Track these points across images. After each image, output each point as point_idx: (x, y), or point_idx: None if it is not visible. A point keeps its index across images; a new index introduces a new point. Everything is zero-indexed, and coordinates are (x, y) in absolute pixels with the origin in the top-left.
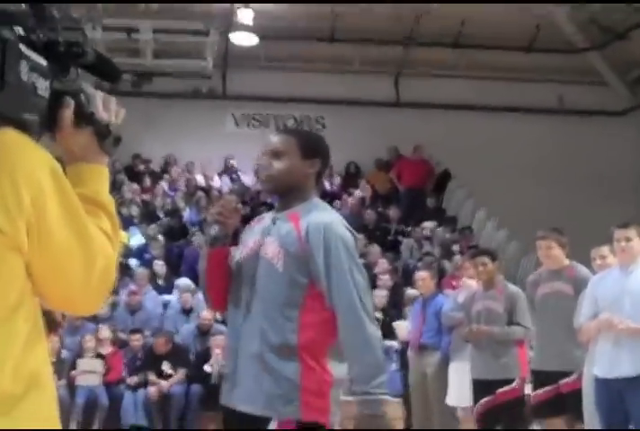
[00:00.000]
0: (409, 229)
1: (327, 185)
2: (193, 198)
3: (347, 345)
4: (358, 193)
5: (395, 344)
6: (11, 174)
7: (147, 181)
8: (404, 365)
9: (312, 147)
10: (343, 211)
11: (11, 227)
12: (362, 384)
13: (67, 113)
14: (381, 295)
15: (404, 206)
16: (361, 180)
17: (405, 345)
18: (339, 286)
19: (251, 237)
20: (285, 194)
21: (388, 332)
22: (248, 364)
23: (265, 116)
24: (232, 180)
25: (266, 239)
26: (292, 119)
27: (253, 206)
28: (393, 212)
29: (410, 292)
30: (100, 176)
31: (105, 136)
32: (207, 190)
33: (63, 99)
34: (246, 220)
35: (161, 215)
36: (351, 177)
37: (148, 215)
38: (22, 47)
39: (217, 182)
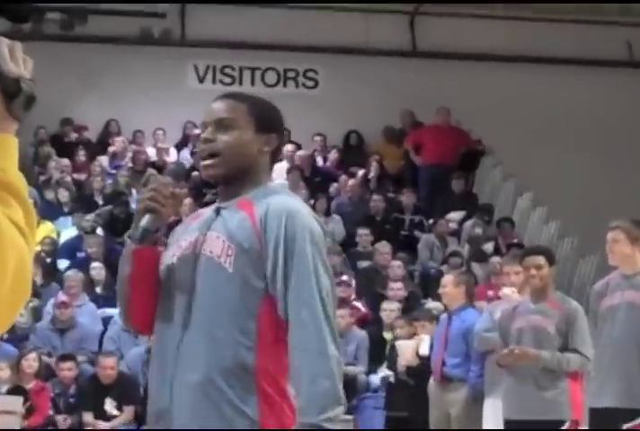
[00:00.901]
0: (429, 221)
1: (320, 161)
2: (142, 178)
3: (298, 366)
4: (361, 173)
5: (389, 374)
6: None
7: (81, 156)
8: (389, 402)
9: (268, 118)
10: (342, 197)
11: None
12: (310, 416)
13: None
14: (391, 309)
15: (423, 190)
16: (369, 156)
17: (407, 372)
18: (298, 290)
19: (184, 236)
20: (233, 177)
21: (394, 357)
22: (189, 397)
23: (238, 69)
24: (193, 154)
25: (207, 234)
26: (273, 73)
27: (197, 189)
28: (407, 198)
29: (430, 305)
30: (6, 149)
31: (14, 94)
32: (160, 167)
33: None
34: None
35: (99, 200)
36: (352, 151)
37: (83, 201)
38: None
39: (173, 156)
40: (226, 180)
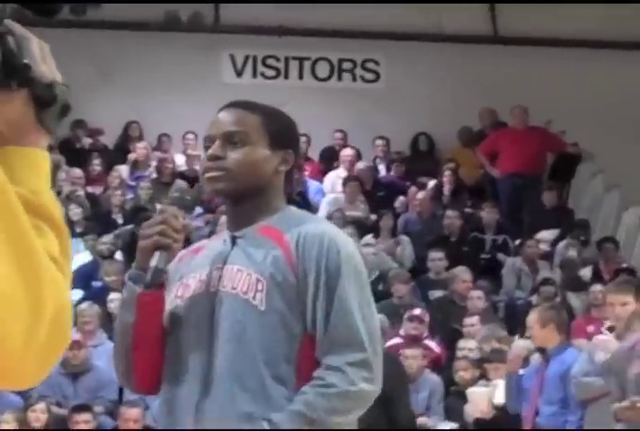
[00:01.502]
0: (515, 242)
1: (382, 170)
2: (169, 192)
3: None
4: (432, 184)
5: (452, 426)
6: None
7: (96, 165)
8: None
9: (284, 132)
10: (410, 213)
11: None
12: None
13: None
14: (469, 348)
15: (506, 204)
16: (442, 164)
17: (478, 424)
18: (339, 331)
19: (189, 273)
20: (243, 197)
21: (459, 406)
22: None
23: (283, 59)
24: None
25: (225, 268)
26: (326, 64)
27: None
28: (488, 214)
29: (519, 343)
30: (39, 167)
31: (48, 102)
32: (191, 178)
33: None
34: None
35: (118, 218)
36: (421, 157)
37: (98, 220)
38: None
39: None
40: (236, 197)
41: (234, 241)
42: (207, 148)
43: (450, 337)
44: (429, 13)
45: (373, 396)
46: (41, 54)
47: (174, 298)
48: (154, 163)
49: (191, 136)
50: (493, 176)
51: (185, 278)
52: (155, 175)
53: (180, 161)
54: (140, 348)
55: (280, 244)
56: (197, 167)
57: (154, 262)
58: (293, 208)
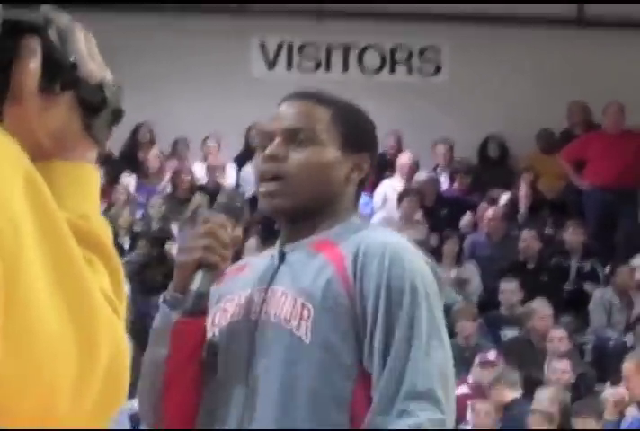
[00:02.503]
0: (605, 269)
1: (444, 183)
2: (187, 208)
3: None
4: (505, 198)
5: None
6: None
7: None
8: None
9: (359, 131)
10: (478, 234)
11: None
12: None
13: (31, 67)
14: (551, 398)
15: (596, 223)
16: (517, 174)
17: None
18: (402, 370)
19: (230, 296)
20: (305, 212)
21: None
22: None
23: (324, 47)
24: None
25: (269, 291)
26: (375, 53)
27: (265, 225)
28: (573, 235)
29: (610, 392)
30: (88, 185)
31: (97, 107)
32: (213, 194)
33: (20, 39)
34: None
35: (124, 242)
36: (491, 167)
37: None
38: None
39: (231, 177)
40: (296, 214)
41: (282, 257)
42: (263, 148)
43: (528, 385)
44: None
45: None
46: (88, 49)
47: (211, 326)
48: (168, 175)
49: (212, 140)
50: (578, 188)
51: (223, 302)
52: (169, 189)
53: (200, 171)
54: (174, 387)
55: (333, 260)
56: (220, 179)
57: (196, 284)
58: (358, 221)
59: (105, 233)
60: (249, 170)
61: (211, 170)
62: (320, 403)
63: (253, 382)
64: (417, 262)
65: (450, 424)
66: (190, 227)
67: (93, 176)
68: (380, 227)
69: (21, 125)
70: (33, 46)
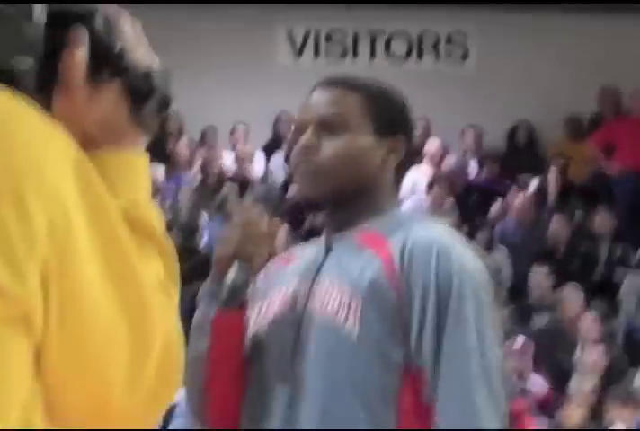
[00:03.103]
0: (635, 255)
1: (472, 170)
2: (216, 199)
3: None
4: (534, 184)
5: None
6: (11, 184)
7: None
8: None
9: (393, 114)
10: (507, 221)
11: (15, 283)
12: None
13: (79, 57)
14: (582, 391)
15: (624, 208)
16: (546, 160)
17: None
18: (455, 368)
19: (275, 287)
20: (343, 200)
21: None
22: None
23: (351, 34)
24: (289, 159)
25: (318, 280)
26: (403, 39)
27: (292, 215)
28: (603, 220)
29: None
30: (138, 173)
31: (145, 94)
32: (243, 183)
33: (68, 28)
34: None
35: None
36: (520, 153)
37: None
38: None
39: (259, 166)
40: (334, 203)
41: (329, 246)
42: (296, 139)
43: (559, 373)
44: None
45: None
46: (135, 37)
47: (257, 319)
48: (197, 164)
49: (240, 130)
50: (607, 174)
51: (270, 294)
52: (198, 178)
53: (229, 161)
54: (217, 381)
55: (380, 254)
56: (248, 167)
57: (232, 277)
58: (401, 212)
59: (156, 218)
60: (277, 159)
61: (240, 159)
62: (368, 398)
63: (300, 376)
64: (468, 258)
65: (501, 409)
66: (220, 217)
67: (143, 163)
68: (427, 219)
69: (69, 114)
70: (80, 36)
